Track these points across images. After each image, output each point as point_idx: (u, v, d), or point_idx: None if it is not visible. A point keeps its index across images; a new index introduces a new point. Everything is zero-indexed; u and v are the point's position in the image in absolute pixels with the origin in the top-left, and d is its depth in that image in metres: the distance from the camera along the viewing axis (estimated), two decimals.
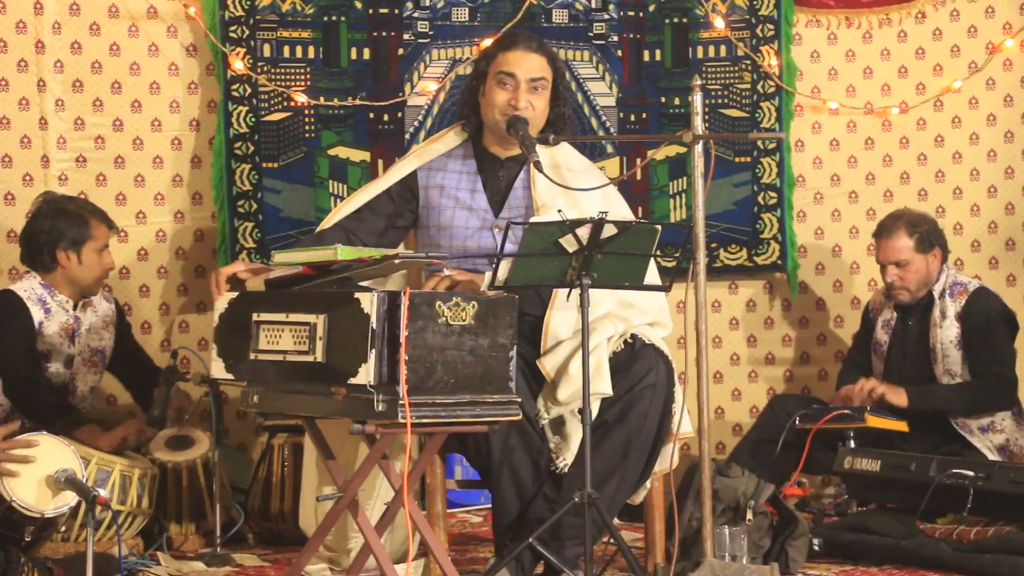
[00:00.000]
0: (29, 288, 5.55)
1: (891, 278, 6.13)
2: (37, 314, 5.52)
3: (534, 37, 4.89)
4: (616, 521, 4.85)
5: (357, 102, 6.52)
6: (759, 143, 6.81)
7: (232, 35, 6.40)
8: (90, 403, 5.73)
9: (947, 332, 6.08)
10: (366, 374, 3.89)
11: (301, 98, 6.46)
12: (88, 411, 5.69)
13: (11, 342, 5.45)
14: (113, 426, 5.56)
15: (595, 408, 4.51)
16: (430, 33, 6.59)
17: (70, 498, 4.36)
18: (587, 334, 4.35)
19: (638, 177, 6.76)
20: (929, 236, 6.12)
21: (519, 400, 4.11)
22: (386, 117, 6.56)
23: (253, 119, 6.41)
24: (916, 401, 6.01)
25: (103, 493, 4.25)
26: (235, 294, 4.34)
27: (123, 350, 5.81)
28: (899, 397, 6.01)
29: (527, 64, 4.77)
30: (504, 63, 4.78)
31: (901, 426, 5.99)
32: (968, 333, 6.05)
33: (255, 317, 4.20)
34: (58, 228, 5.54)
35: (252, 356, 4.20)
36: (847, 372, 6.36)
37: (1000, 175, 6.97)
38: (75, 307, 5.62)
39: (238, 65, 6.38)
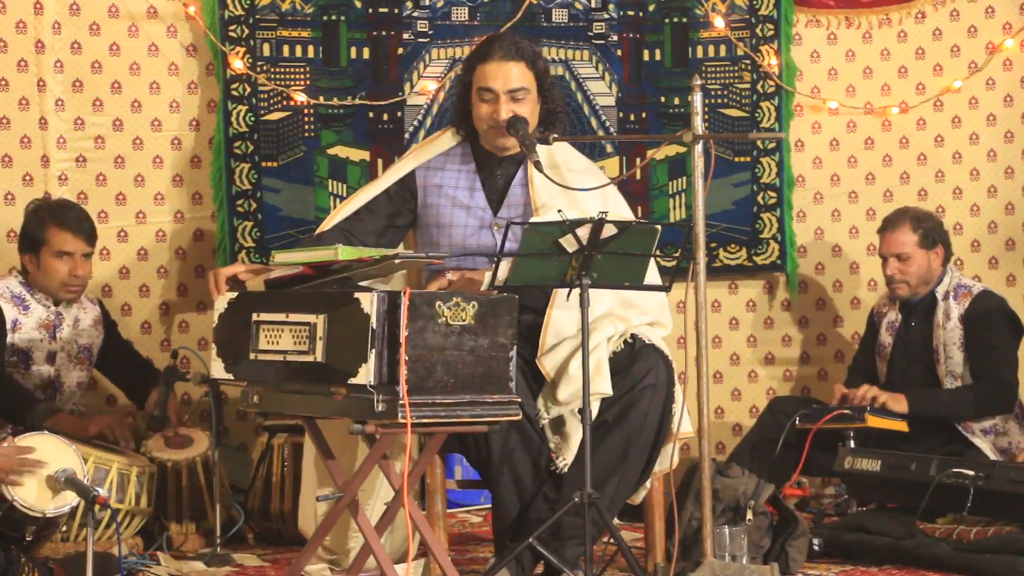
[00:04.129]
0: (4, 287, 5.56)
1: (891, 271, 6.15)
2: (11, 312, 5.52)
3: (512, 41, 4.81)
4: (616, 521, 4.85)
5: (356, 101, 6.52)
6: (759, 143, 6.81)
7: (232, 34, 6.40)
8: (79, 400, 5.72)
9: (950, 334, 6.08)
10: (366, 374, 3.89)
11: (300, 97, 6.46)
12: (81, 408, 5.69)
13: None
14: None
15: (595, 408, 4.51)
16: (430, 32, 6.59)
17: (71, 498, 4.36)
18: (587, 334, 4.34)
19: (638, 177, 6.76)
20: (933, 233, 6.15)
21: (519, 400, 4.11)
22: (386, 116, 6.56)
23: (252, 118, 6.41)
24: (917, 407, 6.01)
25: (103, 493, 4.26)
26: (235, 294, 4.34)
27: (111, 349, 5.81)
28: (900, 404, 6.01)
29: (503, 75, 4.72)
30: (482, 77, 4.75)
31: (901, 426, 5.99)
32: (971, 336, 6.05)
33: (255, 317, 4.20)
34: (24, 232, 5.61)
35: (252, 356, 4.20)
36: (853, 378, 6.35)
37: (1000, 175, 6.97)
38: (56, 303, 5.61)
39: (238, 64, 6.38)
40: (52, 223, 5.57)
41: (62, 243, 5.55)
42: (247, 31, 6.41)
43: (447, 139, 4.94)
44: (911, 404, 6.00)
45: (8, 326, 5.52)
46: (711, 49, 6.83)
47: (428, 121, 6.56)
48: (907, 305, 6.24)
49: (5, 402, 5.41)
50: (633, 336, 4.68)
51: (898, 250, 6.14)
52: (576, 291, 4.34)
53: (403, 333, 3.89)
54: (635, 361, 4.62)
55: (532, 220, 4.53)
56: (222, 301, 4.34)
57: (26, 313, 5.56)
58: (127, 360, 5.88)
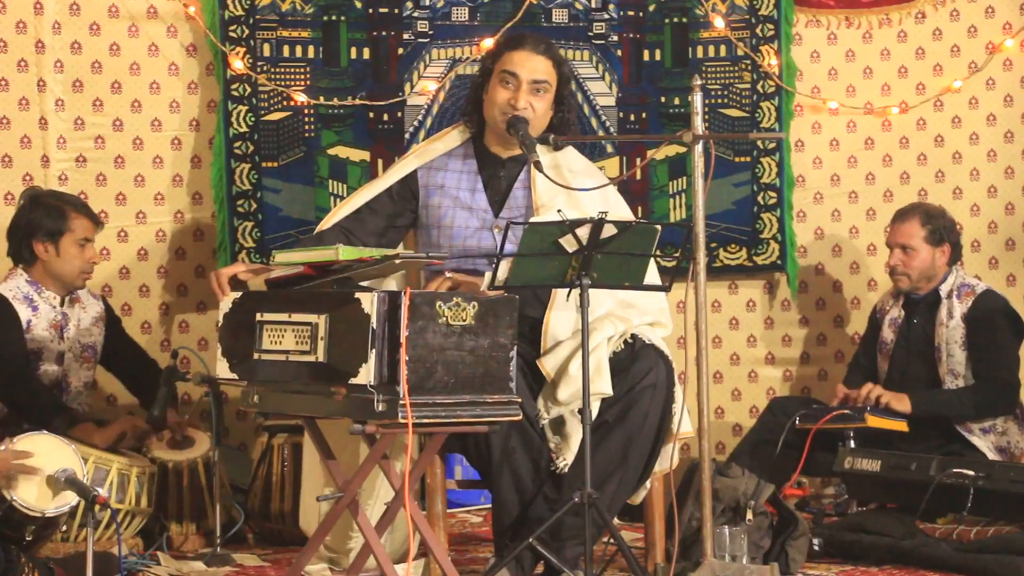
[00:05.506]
0: (15, 287, 5.54)
1: (894, 261, 6.17)
2: (24, 313, 5.51)
3: (544, 40, 4.87)
4: (616, 521, 4.85)
5: (357, 102, 6.52)
6: (759, 143, 6.81)
7: (232, 35, 6.40)
8: (85, 399, 5.72)
9: (952, 332, 6.08)
10: (366, 374, 3.89)
11: (301, 97, 6.46)
12: (85, 408, 5.69)
13: (3, 345, 5.43)
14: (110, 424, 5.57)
15: (595, 408, 4.51)
16: (430, 33, 6.59)
17: (70, 498, 4.37)
18: (587, 334, 4.34)
19: (638, 177, 6.76)
20: (942, 231, 6.15)
21: (519, 400, 4.11)
22: (386, 117, 6.56)
23: (253, 119, 6.41)
24: (920, 407, 6.01)
25: (103, 493, 4.26)
26: (239, 294, 4.34)
27: (115, 346, 5.80)
28: (902, 404, 6.01)
29: (531, 65, 4.76)
30: (508, 62, 4.77)
31: (901, 426, 5.99)
32: (973, 335, 6.05)
33: (258, 317, 4.20)
34: (36, 220, 5.55)
35: (256, 356, 4.20)
36: (853, 376, 6.36)
37: (1000, 175, 6.97)
38: (62, 303, 5.61)
39: (238, 65, 6.38)
40: (73, 211, 5.59)
41: (85, 230, 5.58)
42: (247, 31, 6.41)
43: (452, 138, 4.94)
44: (914, 404, 6.01)
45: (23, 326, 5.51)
46: (711, 49, 6.83)
47: (428, 121, 6.57)
48: (910, 302, 6.25)
49: (32, 406, 5.41)
50: (633, 336, 4.68)
51: (904, 241, 6.16)
52: (576, 291, 4.34)
53: (403, 333, 3.89)
54: (635, 361, 4.62)
55: (532, 220, 4.53)
56: (226, 301, 4.34)
57: (35, 314, 5.55)
58: (131, 357, 5.88)
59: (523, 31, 4.89)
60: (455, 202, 4.85)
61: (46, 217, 5.55)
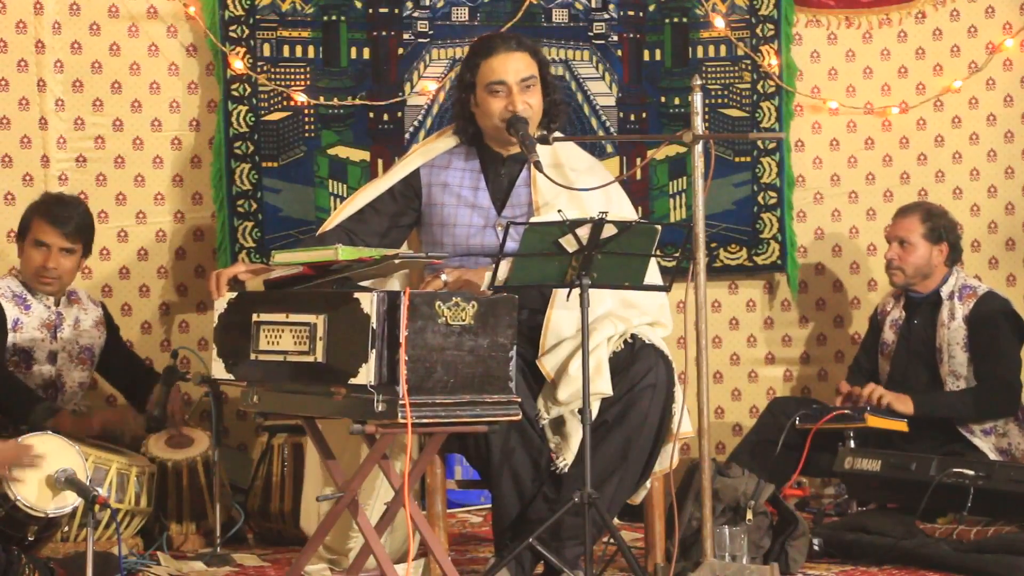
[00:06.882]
0: (4, 287, 5.55)
1: (891, 255, 6.20)
2: (12, 311, 5.52)
3: (511, 36, 4.86)
4: (616, 521, 4.85)
5: (357, 102, 6.52)
6: (759, 143, 6.81)
7: (232, 35, 6.40)
8: (81, 399, 5.72)
9: (954, 334, 6.08)
10: (366, 374, 3.89)
11: (301, 97, 6.46)
12: (82, 408, 5.69)
13: None
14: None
15: (595, 408, 4.51)
16: (430, 33, 6.59)
17: (72, 498, 4.37)
18: (587, 334, 4.34)
19: (638, 177, 6.76)
20: (941, 230, 6.17)
21: (519, 400, 4.11)
22: (386, 117, 6.56)
23: (253, 119, 6.41)
24: (922, 409, 6.01)
25: (103, 493, 4.26)
26: (234, 295, 4.34)
27: (112, 351, 5.80)
28: (905, 405, 6.01)
29: (513, 66, 4.74)
30: (491, 72, 4.74)
31: (901, 426, 5.99)
32: (975, 336, 6.06)
33: (255, 317, 4.20)
34: (22, 220, 5.63)
35: (252, 356, 4.20)
36: (854, 378, 6.35)
37: (1000, 175, 6.98)
38: (57, 303, 5.61)
39: (238, 65, 6.38)
40: (37, 213, 5.59)
41: (40, 233, 5.54)
42: (247, 31, 6.41)
43: (451, 138, 4.93)
44: (916, 406, 6.01)
45: (9, 325, 5.52)
46: (711, 49, 6.83)
47: (428, 121, 6.57)
48: (911, 303, 6.25)
49: (7, 400, 5.41)
50: (633, 336, 4.68)
51: (902, 235, 6.19)
52: (576, 291, 4.33)
53: (403, 333, 3.89)
54: (635, 361, 4.62)
55: (532, 220, 4.52)
56: (222, 302, 4.34)
57: (27, 312, 5.56)
58: (127, 363, 5.88)
59: (489, 34, 4.85)
60: (459, 200, 4.84)
61: (23, 218, 5.61)
